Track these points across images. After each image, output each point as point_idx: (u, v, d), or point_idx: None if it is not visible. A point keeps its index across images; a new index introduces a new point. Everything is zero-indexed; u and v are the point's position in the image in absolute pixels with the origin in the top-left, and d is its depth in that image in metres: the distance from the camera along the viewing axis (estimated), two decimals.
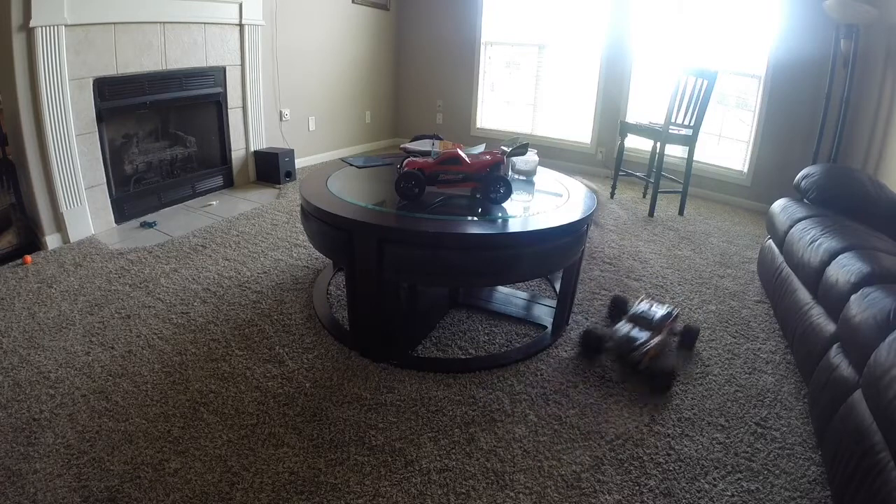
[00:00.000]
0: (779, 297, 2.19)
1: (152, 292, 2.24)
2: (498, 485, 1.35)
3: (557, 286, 2.30)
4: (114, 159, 2.97)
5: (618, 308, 2.17)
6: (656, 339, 1.80)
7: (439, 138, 2.66)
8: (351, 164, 2.45)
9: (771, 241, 2.51)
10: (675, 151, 3.94)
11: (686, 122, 3.42)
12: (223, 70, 3.46)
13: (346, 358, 1.84)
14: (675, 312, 1.99)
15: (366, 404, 1.62)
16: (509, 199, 1.91)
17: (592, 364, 1.86)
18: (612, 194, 3.95)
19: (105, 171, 2.86)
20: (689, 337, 1.99)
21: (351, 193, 1.98)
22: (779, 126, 3.77)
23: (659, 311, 1.94)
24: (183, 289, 2.28)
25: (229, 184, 3.74)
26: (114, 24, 2.71)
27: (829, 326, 1.66)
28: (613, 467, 1.42)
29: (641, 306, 1.98)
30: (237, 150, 3.74)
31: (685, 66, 3.48)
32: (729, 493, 1.35)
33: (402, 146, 2.56)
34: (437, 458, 1.43)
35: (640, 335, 1.81)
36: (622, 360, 1.81)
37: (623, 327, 1.86)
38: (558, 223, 1.76)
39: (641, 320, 1.90)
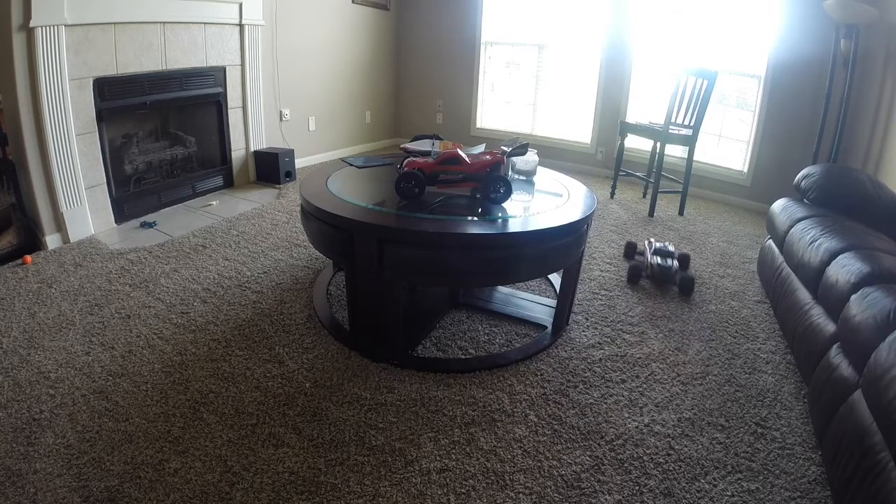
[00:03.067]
0: (779, 297, 2.19)
1: (152, 292, 2.24)
2: (498, 485, 1.35)
3: (557, 286, 2.30)
4: (114, 159, 2.97)
5: (631, 249, 2.83)
6: (676, 262, 2.60)
7: (439, 138, 2.66)
8: (351, 164, 2.45)
9: (771, 241, 2.51)
10: (675, 151, 3.95)
11: (686, 122, 3.42)
12: (223, 70, 3.47)
13: (346, 358, 1.84)
14: (674, 247, 2.75)
15: (366, 404, 1.62)
16: (509, 199, 1.91)
17: (636, 286, 2.52)
18: (613, 194, 3.95)
19: (105, 171, 2.87)
20: (684, 261, 2.70)
21: (351, 193, 1.98)
22: (779, 126, 3.77)
23: (668, 246, 2.67)
24: (183, 289, 2.28)
25: (229, 184, 3.74)
26: (114, 24, 2.71)
27: (829, 326, 1.66)
28: (613, 467, 1.42)
29: (657, 244, 2.69)
30: (237, 150, 3.74)
31: (685, 66, 3.48)
32: (729, 493, 1.35)
33: (402, 146, 2.56)
34: (437, 458, 1.43)
35: (668, 262, 2.54)
36: (660, 279, 2.53)
37: (654, 259, 2.56)
38: (558, 223, 1.77)
39: (663, 252, 2.62)
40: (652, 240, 2.78)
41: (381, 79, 5.24)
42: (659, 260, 2.54)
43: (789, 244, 2.16)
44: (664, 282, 2.52)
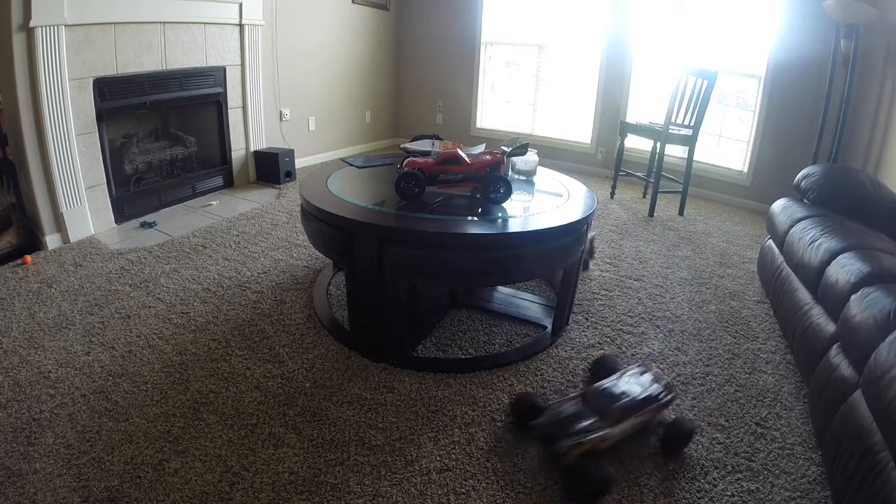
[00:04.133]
0: (779, 297, 2.19)
1: (152, 292, 2.24)
2: (498, 485, 1.35)
3: (558, 286, 2.30)
4: (114, 159, 2.97)
5: (599, 373, 1.64)
6: (606, 431, 1.32)
7: (439, 138, 2.66)
8: (351, 164, 2.45)
9: (771, 241, 2.51)
10: (675, 151, 3.94)
11: (686, 122, 3.42)
12: (223, 70, 3.46)
13: (346, 358, 1.84)
14: (664, 397, 1.45)
15: (366, 404, 1.62)
16: (509, 199, 1.91)
17: (517, 446, 1.43)
18: (613, 194, 3.95)
19: (105, 171, 2.86)
20: (676, 437, 1.43)
21: (351, 193, 1.98)
22: (779, 126, 3.76)
23: (638, 389, 1.44)
24: (183, 289, 2.28)
25: (229, 184, 3.74)
26: (114, 24, 2.71)
27: (829, 326, 1.66)
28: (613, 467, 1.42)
29: (620, 380, 1.49)
30: (237, 150, 3.74)
31: (685, 66, 3.48)
32: (729, 493, 1.35)
33: (402, 146, 2.56)
34: (437, 458, 1.43)
35: (586, 419, 1.35)
36: (547, 447, 1.34)
37: (569, 407, 1.39)
38: (558, 223, 1.76)
39: (602, 398, 1.41)
40: (644, 373, 1.55)
41: (381, 79, 5.24)
42: (576, 410, 1.39)
43: (789, 244, 2.16)
44: (550, 455, 1.34)
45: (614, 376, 1.54)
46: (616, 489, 1.33)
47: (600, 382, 1.50)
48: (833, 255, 1.79)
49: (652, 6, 4.16)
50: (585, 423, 1.33)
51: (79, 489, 1.27)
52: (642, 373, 1.55)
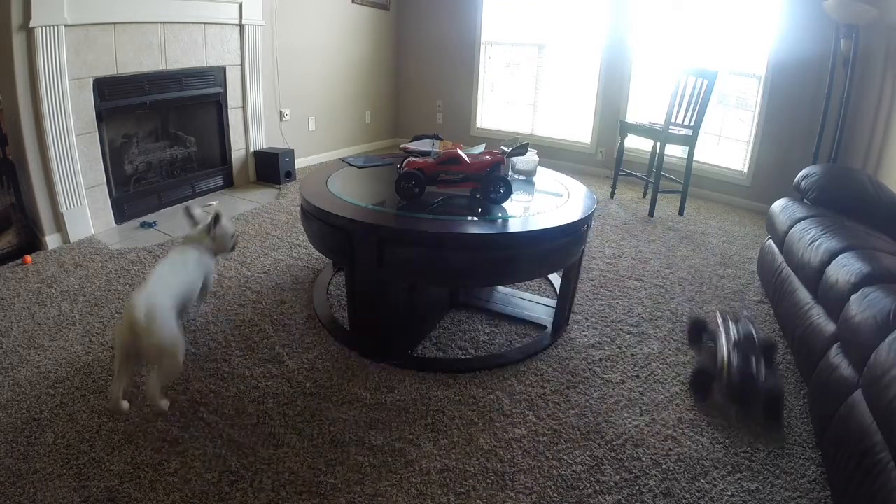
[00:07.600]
0: (779, 297, 2.19)
1: None
2: (498, 485, 1.35)
3: (558, 286, 2.30)
4: (114, 159, 2.97)
5: (698, 332, 2.00)
6: (762, 364, 1.62)
7: (439, 138, 2.65)
8: (351, 164, 2.45)
9: (771, 241, 2.51)
10: (675, 151, 3.94)
11: (686, 122, 3.42)
12: (223, 70, 3.46)
13: (346, 358, 1.84)
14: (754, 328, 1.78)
15: (366, 404, 1.62)
16: (509, 199, 1.91)
17: (708, 407, 1.65)
18: (612, 194, 3.94)
19: (105, 171, 2.86)
20: (769, 356, 1.79)
21: (351, 193, 1.98)
22: (779, 126, 3.76)
23: (751, 329, 1.75)
24: None
25: (229, 184, 3.74)
26: (114, 24, 2.71)
27: (829, 326, 1.66)
28: (613, 467, 1.42)
29: (734, 330, 1.75)
30: (237, 150, 3.74)
31: (685, 66, 3.48)
32: (729, 493, 1.35)
33: (402, 146, 2.56)
34: (437, 458, 1.43)
35: (752, 364, 1.59)
36: (740, 394, 1.57)
37: (733, 356, 1.63)
38: (558, 223, 1.76)
39: (748, 344, 1.67)
40: (727, 317, 1.86)
41: (381, 79, 5.24)
42: (739, 361, 1.61)
43: (789, 244, 2.16)
44: (744, 398, 1.58)
45: (727, 320, 1.83)
46: (615, 491, 1.33)
47: (731, 333, 1.74)
48: (833, 255, 1.79)
49: (652, 6, 4.16)
50: (759, 368, 1.61)
51: (79, 489, 1.27)
52: (727, 316, 1.87)
